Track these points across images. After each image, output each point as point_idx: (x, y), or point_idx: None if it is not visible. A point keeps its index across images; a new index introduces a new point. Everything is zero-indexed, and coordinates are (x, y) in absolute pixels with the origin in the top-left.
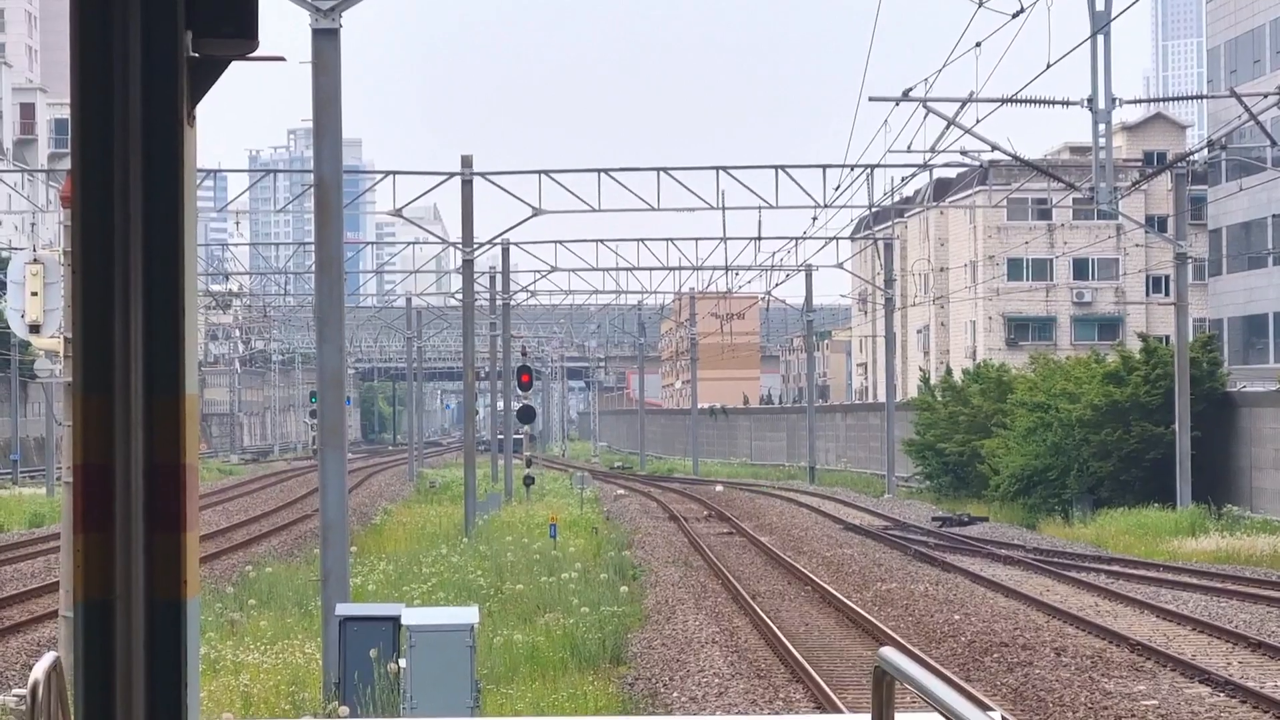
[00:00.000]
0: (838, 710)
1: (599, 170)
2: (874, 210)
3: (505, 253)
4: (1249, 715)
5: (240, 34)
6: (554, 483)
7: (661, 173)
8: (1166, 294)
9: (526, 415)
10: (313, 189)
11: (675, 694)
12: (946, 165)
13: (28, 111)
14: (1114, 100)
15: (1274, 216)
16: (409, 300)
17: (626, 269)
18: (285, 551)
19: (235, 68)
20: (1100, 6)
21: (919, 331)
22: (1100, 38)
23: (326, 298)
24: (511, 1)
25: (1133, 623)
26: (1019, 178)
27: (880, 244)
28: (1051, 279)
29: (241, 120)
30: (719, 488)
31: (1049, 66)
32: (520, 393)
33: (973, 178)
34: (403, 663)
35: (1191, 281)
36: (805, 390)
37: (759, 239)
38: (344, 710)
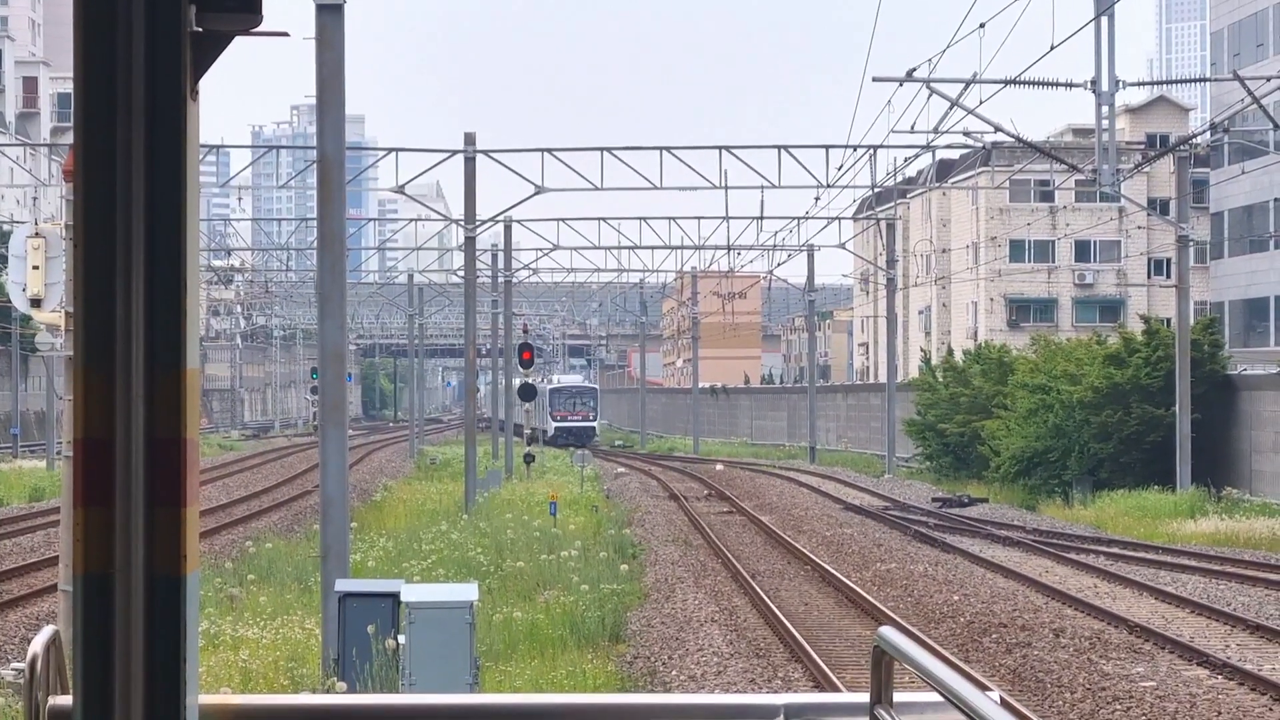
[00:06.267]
0: (836, 689)
1: (602, 149)
2: (876, 191)
3: (507, 230)
4: (1247, 697)
5: (244, 8)
6: (554, 460)
7: (664, 152)
8: (1168, 276)
9: (527, 393)
10: (315, 165)
11: (674, 672)
12: (949, 146)
13: (30, 85)
14: (1117, 82)
15: (1276, 200)
16: (411, 277)
17: (629, 247)
18: (285, 527)
19: (239, 43)
20: None
21: (920, 312)
22: (1104, 20)
23: (328, 274)
24: None
25: (1131, 604)
26: (1021, 159)
27: (882, 224)
28: (1053, 261)
29: (245, 96)
30: (719, 467)
31: (1053, 48)
32: (522, 370)
33: (975, 159)
34: (402, 639)
35: (1193, 264)
36: (806, 370)
37: (761, 218)
38: (342, 686)
